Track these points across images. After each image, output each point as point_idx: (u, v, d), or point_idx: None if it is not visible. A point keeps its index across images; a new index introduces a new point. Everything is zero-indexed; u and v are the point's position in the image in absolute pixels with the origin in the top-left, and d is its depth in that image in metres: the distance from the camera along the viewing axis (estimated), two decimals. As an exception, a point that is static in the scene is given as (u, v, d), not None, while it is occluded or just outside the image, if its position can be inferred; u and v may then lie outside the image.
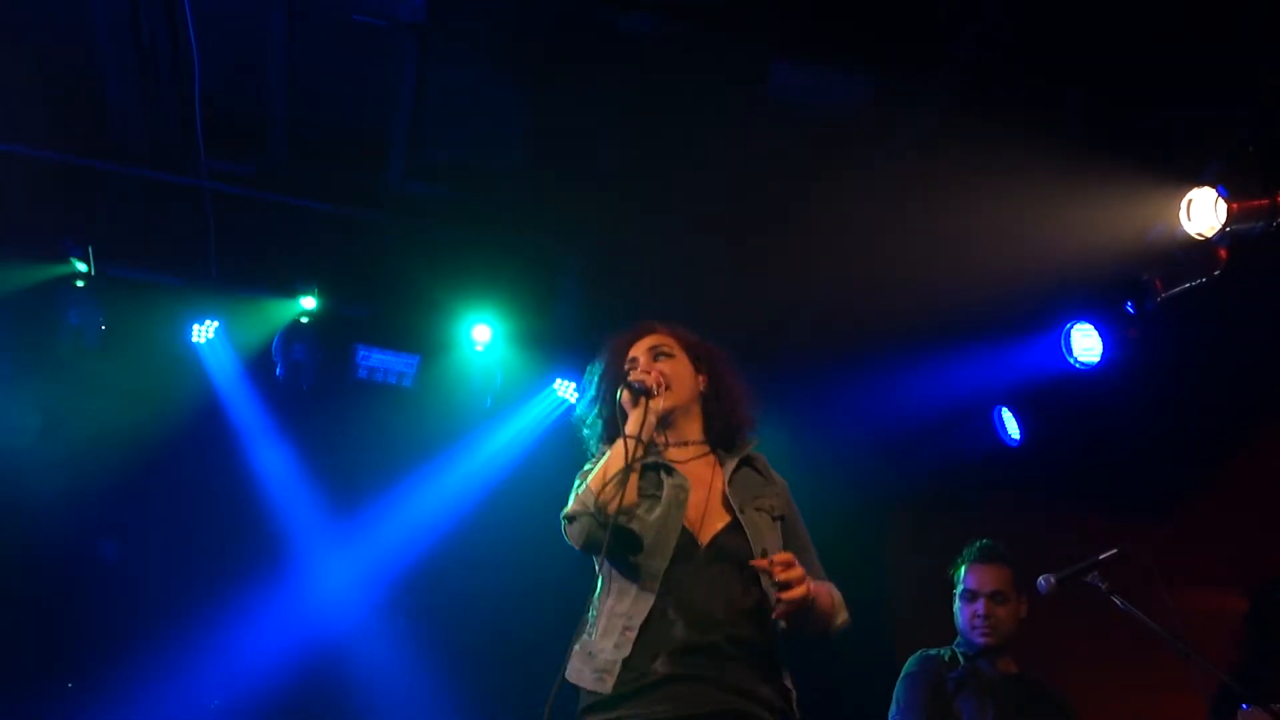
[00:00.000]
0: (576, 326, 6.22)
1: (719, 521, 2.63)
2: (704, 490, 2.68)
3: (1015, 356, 5.41)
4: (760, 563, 2.50)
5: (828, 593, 2.69)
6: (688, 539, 2.58)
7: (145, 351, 6.03)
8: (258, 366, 6.18)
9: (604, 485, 2.53)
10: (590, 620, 2.62)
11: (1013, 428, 5.77)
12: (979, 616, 3.80)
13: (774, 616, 2.49)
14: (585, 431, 2.93)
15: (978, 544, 3.97)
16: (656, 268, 5.78)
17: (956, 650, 3.88)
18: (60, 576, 5.83)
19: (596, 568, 2.70)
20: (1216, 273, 4.19)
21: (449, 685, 5.67)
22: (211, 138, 5.10)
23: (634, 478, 2.57)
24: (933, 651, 3.92)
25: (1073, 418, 5.46)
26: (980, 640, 3.78)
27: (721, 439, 2.84)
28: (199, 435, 6.16)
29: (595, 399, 2.90)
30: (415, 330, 6.22)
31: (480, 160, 5.46)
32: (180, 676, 5.65)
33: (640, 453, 2.59)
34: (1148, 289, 4.51)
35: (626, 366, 2.86)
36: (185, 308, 6.02)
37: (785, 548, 2.64)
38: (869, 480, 6.37)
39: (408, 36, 4.71)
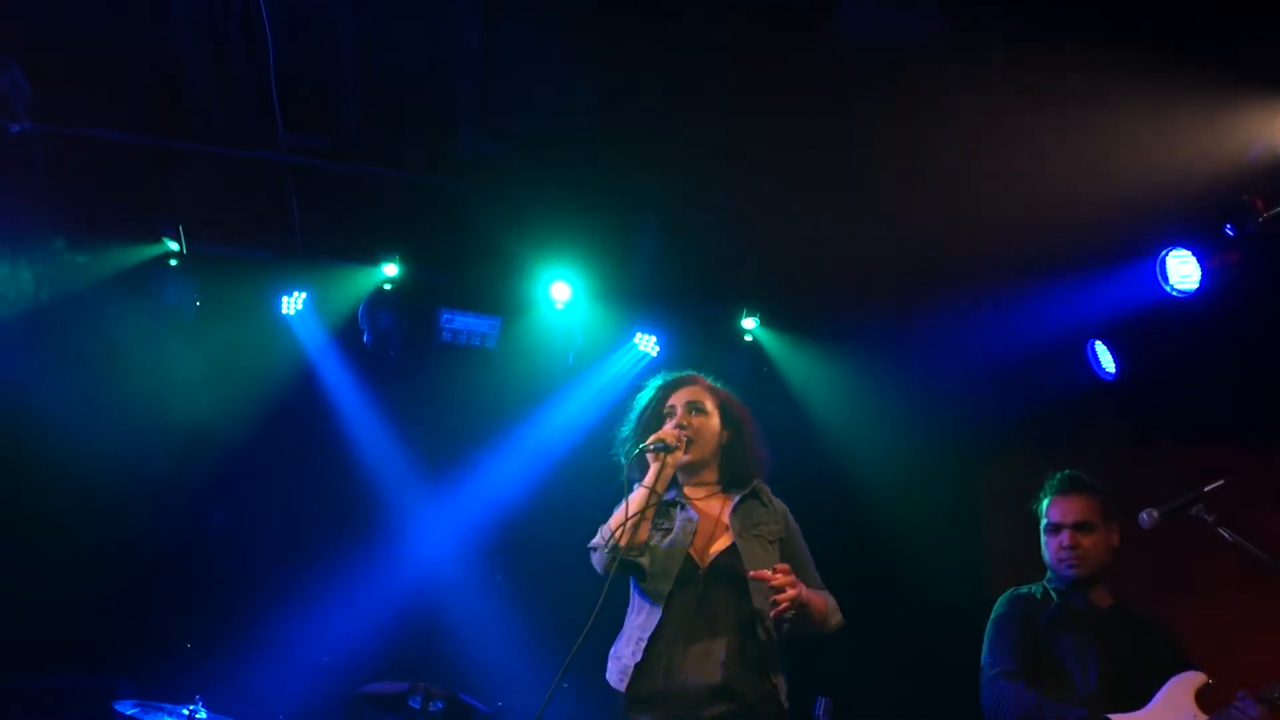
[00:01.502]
0: (654, 280, 6.21)
1: (720, 545, 3.23)
2: (711, 522, 3.29)
3: (1109, 287, 5.24)
4: (760, 574, 3.05)
5: (822, 600, 3.27)
6: (690, 565, 3.20)
7: (239, 325, 6.20)
8: (346, 335, 6.31)
9: (620, 525, 3.10)
10: (622, 631, 3.28)
11: (1108, 361, 5.61)
12: (1065, 549, 3.71)
13: (771, 616, 3.04)
14: (620, 453, 3.43)
15: (1059, 475, 3.87)
16: (734, 218, 5.72)
17: (1048, 586, 3.80)
18: (175, 544, 6.08)
19: (628, 588, 3.32)
20: (1322, 189, 4.00)
21: (539, 636, 5.78)
22: (287, 112, 5.18)
23: (646, 520, 3.15)
24: (1023, 590, 3.84)
25: (1170, 349, 5.29)
26: (1069, 573, 3.70)
27: (734, 481, 3.42)
28: (294, 405, 6.34)
29: (632, 434, 3.44)
30: (496, 292, 6.28)
31: (551, 120, 5.46)
32: (290, 635, 5.87)
33: (654, 500, 3.16)
34: (1248, 210, 4.31)
35: (665, 411, 3.42)
36: (274, 280, 6.16)
37: (783, 562, 3.16)
38: (962, 420, 6.27)
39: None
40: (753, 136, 5.21)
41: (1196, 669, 3.50)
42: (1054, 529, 3.77)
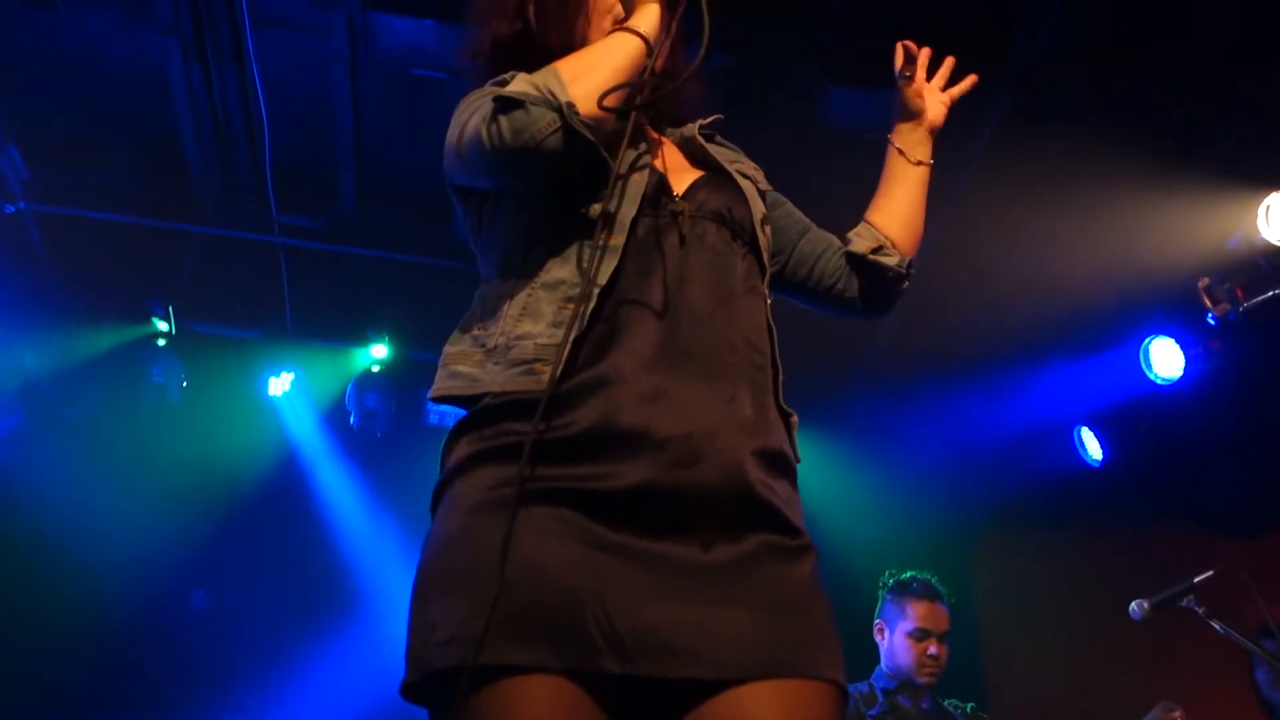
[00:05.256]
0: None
1: (697, 174, 1.79)
2: (669, 150, 1.86)
3: (1093, 374, 5.29)
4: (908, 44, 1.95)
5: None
6: (658, 179, 1.69)
7: (225, 405, 6.20)
8: (333, 416, 6.30)
9: (591, 78, 1.57)
10: (476, 313, 1.70)
11: (1094, 448, 5.63)
12: (930, 657, 3.74)
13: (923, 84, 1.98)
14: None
15: (919, 578, 3.91)
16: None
17: (875, 685, 3.79)
18: (154, 625, 5.97)
19: (478, 226, 1.77)
20: (1301, 279, 4.07)
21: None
22: (283, 193, 5.25)
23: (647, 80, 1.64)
24: (850, 688, 3.84)
25: (1157, 436, 5.31)
26: (924, 680, 3.73)
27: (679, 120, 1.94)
28: (279, 486, 6.29)
29: None
30: (485, 373, 6.28)
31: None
32: (266, 717, 5.74)
33: (650, 65, 1.63)
34: (1229, 299, 4.38)
35: None
36: (263, 361, 6.17)
37: (783, 220, 1.98)
38: (949, 505, 6.25)
39: (467, 86, 4.81)
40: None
41: None
42: (921, 634, 3.79)
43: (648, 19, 1.67)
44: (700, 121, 1.89)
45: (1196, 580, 3.28)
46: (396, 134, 5.19)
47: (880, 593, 4.01)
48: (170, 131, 4.99)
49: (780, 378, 1.72)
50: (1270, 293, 4.18)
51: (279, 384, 6.19)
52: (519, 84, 1.57)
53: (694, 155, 1.85)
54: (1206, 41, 4.17)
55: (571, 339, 1.52)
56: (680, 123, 1.90)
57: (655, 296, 1.58)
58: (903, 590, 3.88)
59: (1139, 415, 5.26)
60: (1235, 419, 5.01)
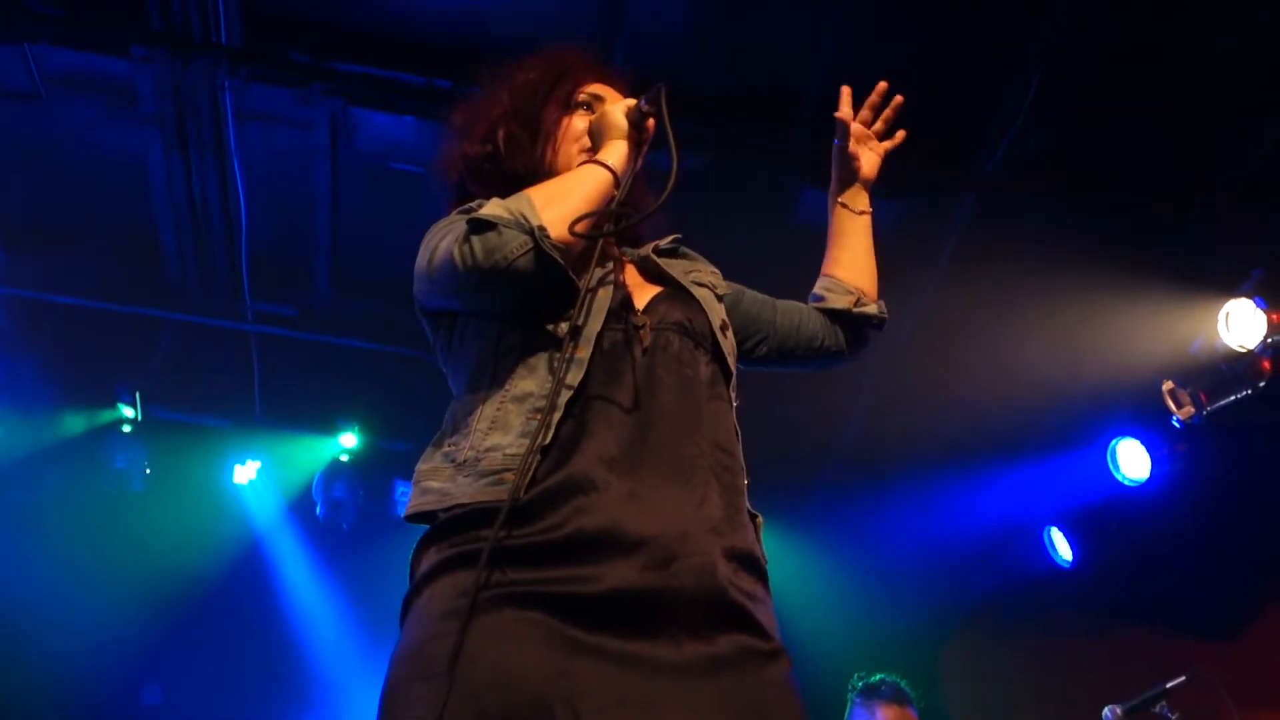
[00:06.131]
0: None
1: (656, 290, 1.84)
2: (632, 272, 1.91)
3: (1061, 474, 5.31)
4: (845, 115, 2.04)
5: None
6: (621, 296, 1.75)
7: (189, 493, 6.10)
8: (299, 506, 6.21)
9: (562, 205, 1.64)
10: (447, 429, 1.75)
11: (1064, 549, 5.62)
12: None
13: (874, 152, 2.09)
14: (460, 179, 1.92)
15: (890, 680, 3.89)
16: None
17: None
18: (101, 721, 5.78)
19: (448, 347, 1.82)
20: (1262, 384, 4.13)
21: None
22: (258, 281, 5.26)
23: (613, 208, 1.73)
24: None
25: (1126, 537, 5.32)
26: None
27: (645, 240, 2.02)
28: (240, 577, 6.16)
29: (515, 118, 1.90)
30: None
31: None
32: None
33: (620, 196, 1.73)
34: (1193, 402, 4.45)
35: (586, 96, 1.95)
36: (229, 448, 6.11)
37: (740, 318, 2.01)
38: (919, 607, 6.20)
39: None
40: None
41: None
42: None
43: (616, 154, 1.77)
44: (657, 242, 1.98)
45: (1169, 685, 3.24)
46: (373, 225, 5.24)
47: (849, 695, 3.95)
48: (147, 219, 5.01)
49: (747, 481, 1.74)
50: (1232, 397, 4.24)
51: (244, 472, 6.11)
52: (492, 207, 1.63)
53: (651, 272, 1.91)
54: (1167, 153, 4.31)
55: (538, 446, 1.55)
56: (639, 243, 1.98)
57: (623, 403, 1.62)
58: (871, 694, 3.83)
59: (1108, 516, 5.28)
60: (1203, 521, 5.04)
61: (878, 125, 2.16)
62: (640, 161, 1.80)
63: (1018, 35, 4.08)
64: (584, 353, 1.64)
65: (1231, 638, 5.23)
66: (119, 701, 5.89)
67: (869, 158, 2.15)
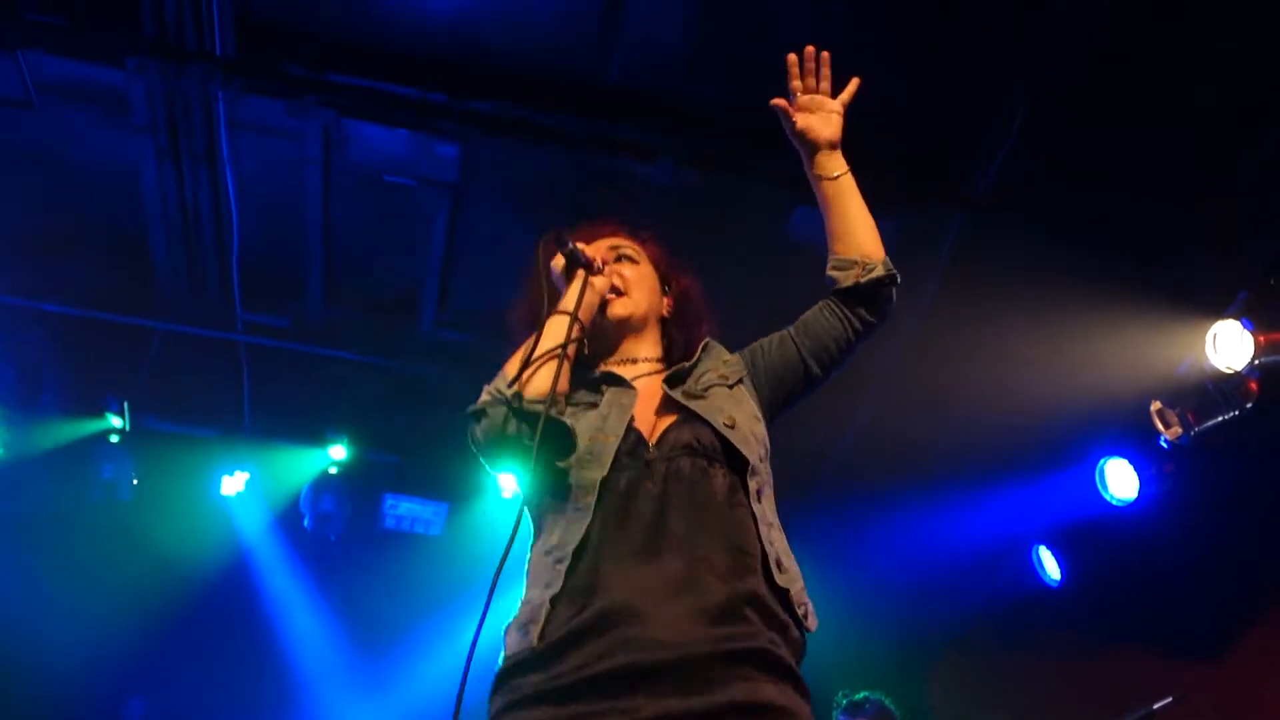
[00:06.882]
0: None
1: (668, 420, 2.02)
2: (654, 399, 2.09)
3: (1050, 494, 5.32)
4: (779, 102, 2.16)
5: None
6: (634, 438, 1.95)
7: (176, 504, 6.07)
8: (287, 517, 6.18)
9: (525, 367, 1.92)
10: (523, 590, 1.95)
11: (1053, 568, 5.63)
12: None
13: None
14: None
15: (874, 698, 3.91)
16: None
17: None
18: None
19: (527, 511, 2.01)
20: (1249, 405, 4.15)
21: None
22: (249, 292, 5.25)
23: (566, 366, 1.96)
24: None
25: (1114, 556, 5.33)
26: None
27: (683, 359, 2.21)
28: (227, 590, 6.13)
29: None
30: (443, 478, 6.22)
31: (508, 308, 5.56)
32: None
33: (577, 337, 1.99)
34: (1181, 423, 4.46)
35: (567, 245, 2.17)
36: (217, 459, 6.07)
37: (767, 373, 2.17)
38: (906, 625, 6.19)
39: (439, 193, 4.89)
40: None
41: None
42: None
43: (568, 297, 2.06)
44: (664, 372, 2.15)
45: (1156, 706, 3.25)
46: (365, 238, 5.23)
47: (834, 713, 3.96)
48: (138, 228, 5.00)
49: (773, 562, 1.89)
50: (1220, 418, 4.26)
51: (233, 483, 6.08)
52: (484, 394, 1.97)
53: (666, 402, 2.08)
54: (1157, 175, 4.34)
55: (548, 598, 1.79)
56: (680, 351, 2.23)
57: (634, 540, 1.82)
58: (856, 712, 3.84)
59: (1096, 536, 5.29)
60: (1191, 541, 5.04)
61: (824, 85, 2.20)
62: (583, 290, 2.05)
63: (1008, 58, 4.10)
64: (589, 500, 1.87)
65: (1219, 658, 5.23)
66: (100, 716, 5.84)
67: (826, 120, 2.19)
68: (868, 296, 2.14)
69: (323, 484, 6.05)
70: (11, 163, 4.80)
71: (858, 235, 2.16)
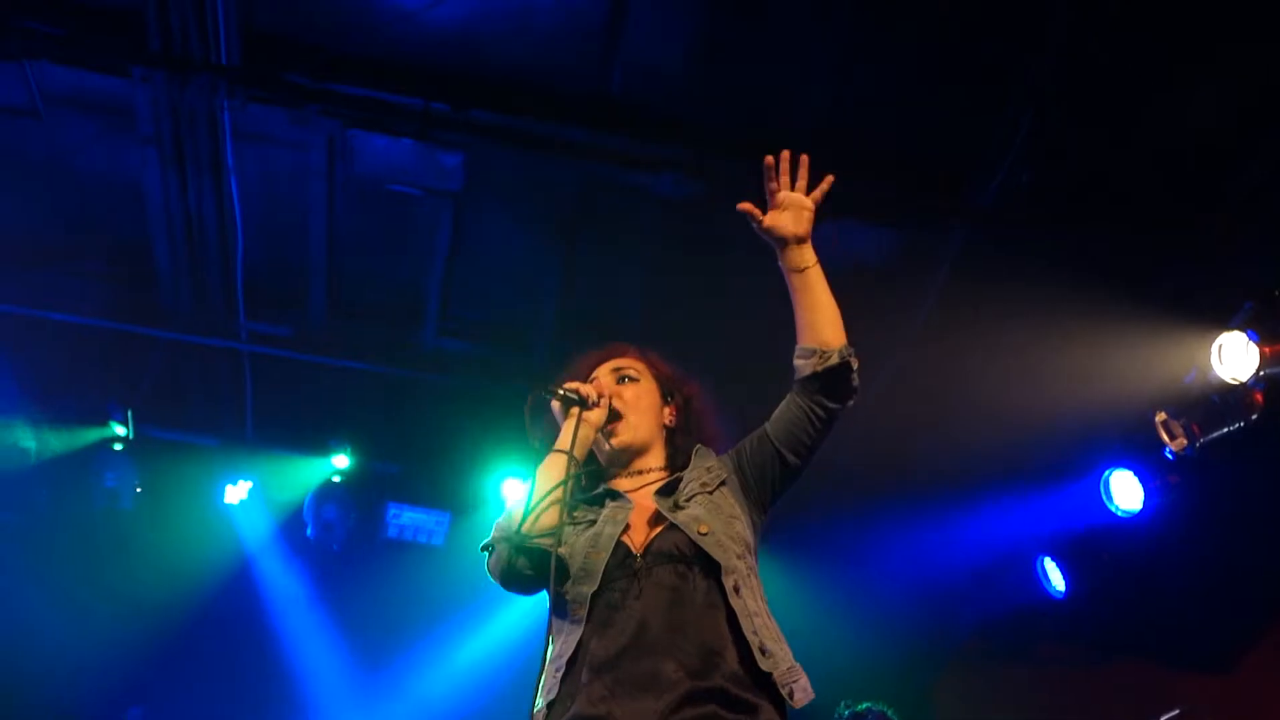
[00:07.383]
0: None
1: (656, 530, 2.24)
2: (648, 512, 2.31)
3: (1055, 505, 5.30)
4: (745, 206, 2.39)
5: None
6: (623, 553, 2.20)
7: (179, 513, 6.07)
8: (290, 526, 6.17)
9: (529, 502, 2.22)
10: None
11: (1057, 579, 5.61)
12: None
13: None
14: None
15: (876, 708, 3.90)
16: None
17: None
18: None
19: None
20: (1254, 416, 4.13)
21: None
22: (253, 301, 5.26)
23: (560, 494, 2.23)
24: None
25: (1119, 568, 5.30)
26: None
27: (683, 465, 2.46)
28: (229, 598, 6.12)
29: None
30: (446, 487, 6.22)
31: (512, 317, 5.57)
32: None
33: (572, 472, 2.26)
34: (1186, 434, 4.44)
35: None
36: (220, 468, 6.07)
37: (751, 471, 2.39)
38: (911, 637, 6.17)
39: (442, 202, 4.89)
40: (704, 341, 5.34)
41: None
42: None
43: (563, 436, 2.31)
44: (655, 486, 2.35)
45: (1162, 719, 3.23)
46: (369, 247, 5.24)
47: None
48: (142, 237, 5.01)
49: (756, 650, 2.08)
50: (1225, 429, 4.24)
51: (235, 492, 6.07)
52: (495, 530, 2.29)
53: (656, 513, 2.28)
54: (1159, 187, 4.33)
55: (548, 704, 2.09)
56: (682, 458, 2.45)
57: (613, 648, 2.07)
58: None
59: (1101, 547, 5.26)
60: (1196, 553, 5.02)
61: (800, 184, 2.37)
62: (578, 424, 2.31)
63: (1010, 72, 4.11)
64: (581, 614, 2.14)
65: (1224, 671, 5.21)
66: (102, 721, 5.83)
67: (796, 217, 2.36)
68: (826, 383, 2.30)
69: (325, 493, 6.04)
70: (17, 172, 4.82)
71: (817, 326, 2.31)
